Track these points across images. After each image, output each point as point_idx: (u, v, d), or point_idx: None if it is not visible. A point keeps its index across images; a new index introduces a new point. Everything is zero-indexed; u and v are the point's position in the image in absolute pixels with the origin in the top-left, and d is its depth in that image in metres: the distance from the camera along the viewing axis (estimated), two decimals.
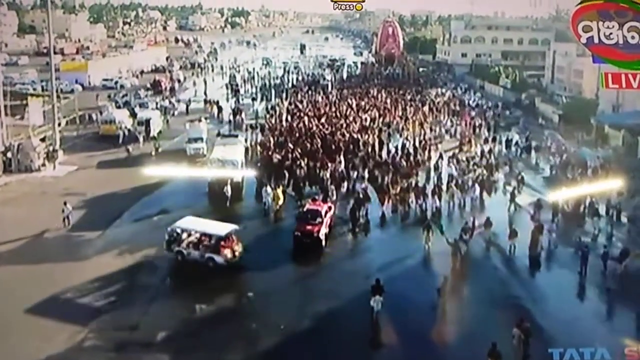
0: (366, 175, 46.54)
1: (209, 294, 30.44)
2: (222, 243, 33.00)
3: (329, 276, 33.50)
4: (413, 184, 44.04)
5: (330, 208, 39.10)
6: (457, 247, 34.51)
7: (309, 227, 36.23)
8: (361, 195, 41.32)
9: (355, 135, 55.72)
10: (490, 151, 54.31)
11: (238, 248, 33.55)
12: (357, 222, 39.10)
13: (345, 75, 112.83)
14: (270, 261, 34.17)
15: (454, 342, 27.04)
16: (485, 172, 47.03)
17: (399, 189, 43.06)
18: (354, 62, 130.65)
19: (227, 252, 32.84)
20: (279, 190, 41.84)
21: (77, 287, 30.79)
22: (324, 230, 36.59)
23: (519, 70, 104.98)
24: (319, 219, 36.76)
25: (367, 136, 56.75)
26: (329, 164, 47.11)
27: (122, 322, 27.65)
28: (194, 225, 34.49)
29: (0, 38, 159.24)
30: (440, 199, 42.27)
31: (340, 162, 48.15)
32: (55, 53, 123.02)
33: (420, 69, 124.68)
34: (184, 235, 34.16)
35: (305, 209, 38.37)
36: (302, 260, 35.29)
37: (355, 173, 47.16)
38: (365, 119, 64.27)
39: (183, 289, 31.30)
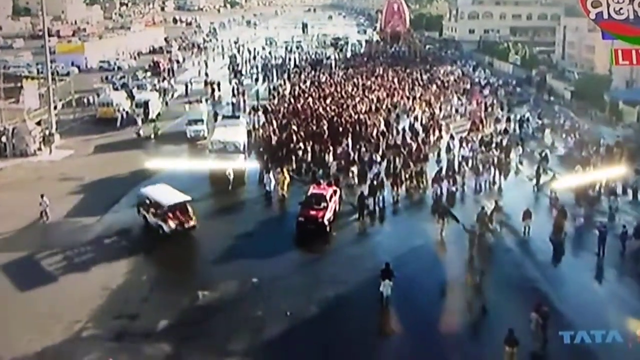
0: (379, 159, 44.62)
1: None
2: (170, 214, 33.79)
3: (336, 261, 32.39)
4: (425, 167, 42.44)
5: (335, 192, 37.47)
6: (480, 234, 32.96)
7: (312, 212, 34.81)
8: (375, 182, 39.30)
9: (362, 117, 53.92)
10: (505, 131, 52.53)
11: (188, 220, 34.08)
12: (366, 210, 37.21)
13: (349, 54, 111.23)
14: (275, 246, 33.26)
15: (468, 329, 26.20)
16: (500, 153, 45.29)
17: (411, 172, 41.63)
18: (357, 41, 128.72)
19: (171, 223, 33.59)
20: (285, 174, 40.40)
21: (73, 274, 30.06)
22: (328, 215, 35.12)
23: (528, 47, 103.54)
24: (323, 204, 35.37)
25: (374, 117, 54.89)
26: (335, 147, 45.81)
27: (121, 310, 26.81)
28: (153, 192, 35.59)
29: None
30: (455, 183, 40.49)
31: (347, 144, 46.52)
32: (50, 35, 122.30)
33: (427, 47, 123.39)
34: (147, 201, 35.25)
35: (309, 194, 36.78)
36: (308, 245, 34.10)
37: (367, 156, 45.00)
38: (372, 100, 62.38)
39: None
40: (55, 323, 25.51)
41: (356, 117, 53.62)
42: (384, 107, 60.18)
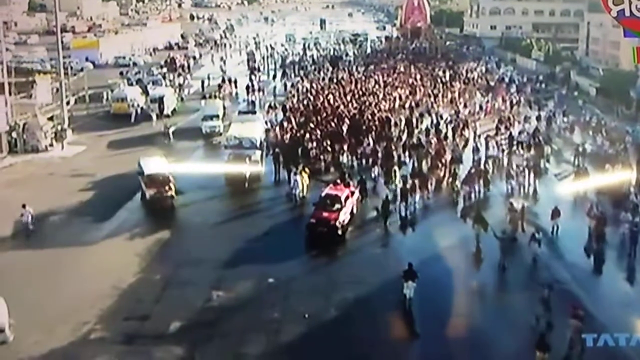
0: (407, 159, 42.88)
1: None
2: (150, 182, 37.46)
3: (355, 261, 31.19)
4: (458, 170, 40.37)
5: (352, 193, 35.87)
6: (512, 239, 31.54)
7: (325, 214, 33.19)
8: (407, 185, 36.82)
9: (385, 115, 52.29)
10: (536, 130, 50.15)
11: (167, 190, 37.23)
12: (393, 216, 35.09)
13: (368, 51, 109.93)
14: (292, 246, 32.25)
15: (497, 333, 24.87)
16: (532, 153, 43.42)
17: (441, 174, 40.08)
18: (377, 37, 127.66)
19: (151, 190, 37.09)
20: (305, 175, 38.89)
21: (83, 273, 29.07)
22: (342, 217, 33.42)
23: (552, 43, 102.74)
24: (337, 206, 33.73)
25: (397, 115, 53.26)
26: (357, 146, 44.50)
27: (132, 311, 25.94)
28: (144, 162, 39.62)
29: (9, 17, 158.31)
30: (487, 184, 38.66)
31: (368, 144, 44.91)
32: (66, 31, 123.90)
33: (447, 43, 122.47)
34: (139, 170, 39.13)
35: (324, 194, 35.24)
36: (326, 245, 32.66)
37: (393, 157, 43.04)
38: (395, 97, 60.55)
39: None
40: (62, 324, 24.59)
41: (379, 115, 52.05)
42: (407, 105, 58.50)
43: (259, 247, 32.02)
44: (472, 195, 37.68)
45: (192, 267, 30.03)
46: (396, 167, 39.67)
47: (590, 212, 33.43)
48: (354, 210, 35.35)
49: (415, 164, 42.28)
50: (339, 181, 37.49)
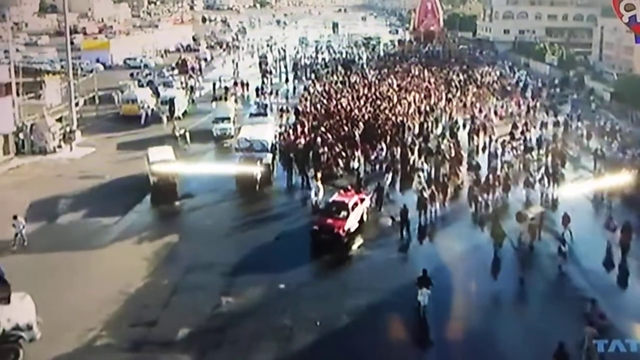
0: (425, 166, 41.44)
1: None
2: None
3: (368, 267, 30.36)
4: (475, 175, 39.17)
5: (362, 200, 34.73)
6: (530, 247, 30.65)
7: (329, 222, 32.14)
8: (425, 193, 35.25)
9: (399, 119, 51.31)
10: (555, 136, 49.31)
11: (170, 177, 39.32)
12: (409, 224, 33.21)
13: (381, 54, 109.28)
14: (303, 251, 31.62)
15: (513, 342, 24.26)
16: (553, 160, 42.41)
17: (458, 181, 39.08)
18: (390, 41, 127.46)
19: (155, 177, 39.16)
20: (319, 180, 37.92)
21: (90, 277, 28.45)
22: (348, 225, 32.30)
23: (565, 47, 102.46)
24: (343, 213, 32.58)
25: (412, 119, 52.25)
26: (372, 151, 43.56)
27: (139, 317, 25.27)
28: (151, 152, 41.64)
29: (20, 17, 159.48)
30: (507, 191, 37.43)
31: (382, 149, 43.88)
32: (77, 33, 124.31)
33: (460, 47, 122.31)
34: (147, 158, 41.02)
35: (331, 200, 34.46)
36: (338, 250, 31.79)
37: (409, 163, 42.25)
38: (410, 101, 59.34)
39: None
40: (67, 331, 23.89)
41: (394, 119, 51.09)
42: (422, 108, 57.44)
43: (269, 252, 31.32)
44: (490, 203, 36.58)
45: (201, 272, 29.39)
46: (419, 174, 38.96)
47: (609, 225, 32.17)
48: (365, 218, 34.46)
49: (433, 171, 41.16)
50: (350, 187, 36.46)
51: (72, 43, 58.68)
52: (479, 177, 38.71)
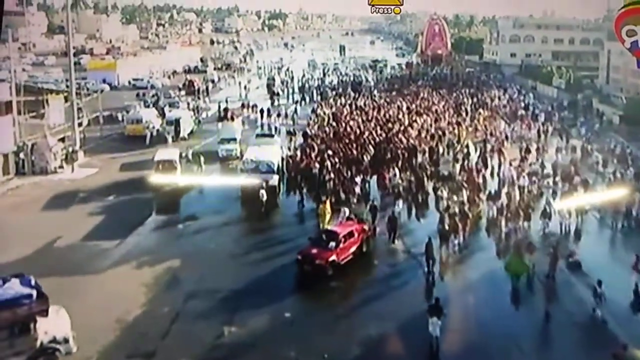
0: (445, 193, 38.79)
1: None
2: (159, 166, 43.64)
3: (380, 295, 29.05)
4: (500, 204, 36.88)
5: (363, 230, 32.91)
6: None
7: (313, 252, 30.41)
8: (446, 225, 33.00)
9: (412, 142, 49.85)
10: (572, 162, 47.38)
11: (172, 172, 43.26)
12: (434, 262, 30.84)
13: (388, 77, 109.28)
14: (310, 278, 30.20)
15: None
16: (573, 187, 40.46)
17: (478, 209, 37.07)
18: (398, 64, 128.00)
19: (158, 173, 42.73)
20: (327, 206, 36.54)
21: (86, 305, 27.13)
22: (335, 257, 30.42)
23: (572, 71, 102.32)
24: (331, 244, 30.76)
25: (425, 143, 50.69)
26: (381, 176, 42.50)
27: (136, 348, 24.28)
28: (158, 151, 47.19)
29: (28, 38, 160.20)
30: (528, 220, 35.39)
31: (394, 174, 42.45)
32: (84, 53, 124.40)
33: (467, 70, 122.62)
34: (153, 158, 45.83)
35: (322, 230, 33.39)
36: (349, 276, 30.60)
37: (424, 190, 40.68)
38: (420, 124, 58.19)
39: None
40: None
41: (406, 142, 49.71)
42: (433, 132, 55.67)
43: (275, 279, 30.21)
44: (511, 233, 34.93)
45: (203, 299, 28.30)
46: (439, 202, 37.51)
47: (637, 266, 29.66)
48: (364, 248, 32.78)
49: (448, 199, 38.61)
50: (353, 216, 34.86)
51: (78, 63, 58.06)
52: (498, 205, 36.98)
